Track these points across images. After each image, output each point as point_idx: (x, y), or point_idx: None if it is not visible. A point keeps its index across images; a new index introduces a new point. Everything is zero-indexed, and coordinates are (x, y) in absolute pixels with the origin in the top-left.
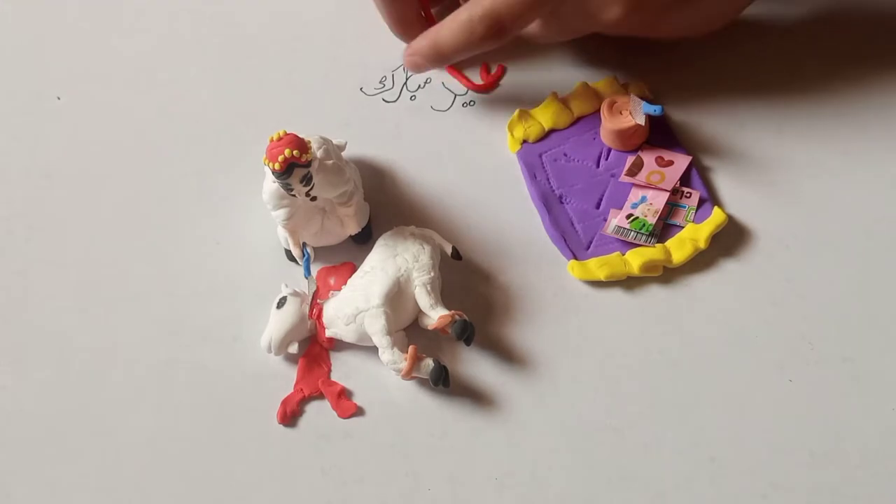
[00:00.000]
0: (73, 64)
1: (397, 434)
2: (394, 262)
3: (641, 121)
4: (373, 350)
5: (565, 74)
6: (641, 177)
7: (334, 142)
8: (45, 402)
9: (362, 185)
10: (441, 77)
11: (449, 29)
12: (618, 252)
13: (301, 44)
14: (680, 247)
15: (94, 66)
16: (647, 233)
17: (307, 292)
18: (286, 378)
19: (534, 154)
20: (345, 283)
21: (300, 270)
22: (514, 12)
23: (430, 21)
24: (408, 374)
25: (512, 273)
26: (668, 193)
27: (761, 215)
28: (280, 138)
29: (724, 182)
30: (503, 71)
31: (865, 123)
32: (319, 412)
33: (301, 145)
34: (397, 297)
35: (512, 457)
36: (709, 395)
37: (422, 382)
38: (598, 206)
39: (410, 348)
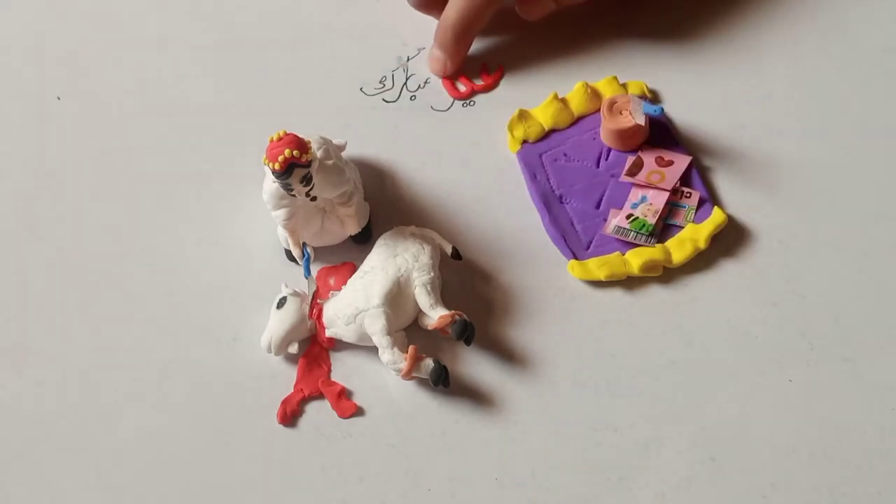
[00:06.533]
0: (73, 64)
1: (397, 434)
2: (394, 262)
3: (641, 121)
4: (373, 350)
5: (565, 74)
6: (641, 177)
7: (334, 142)
8: (45, 401)
9: (362, 185)
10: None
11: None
12: (618, 252)
13: (301, 44)
14: (680, 247)
15: (94, 66)
16: (647, 233)
17: (307, 292)
18: (286, 378)
19: (534, 154)
20: (345, 283)
21: (300, 270)
22: None
23: None
24: (408, 374)
25: (512, 273)
26: (668, 193)
27: (761, 215)
28: (280, 138)
29: (724, 182)
30: (503, 71)
31: (867, 124)
32: (319, 412)
33: (301, 145)
34: (397, 297)
35: (512, 457)
36: (709, 395)
37: (422, 382)
38: (598, 206)
39: (410, 348)
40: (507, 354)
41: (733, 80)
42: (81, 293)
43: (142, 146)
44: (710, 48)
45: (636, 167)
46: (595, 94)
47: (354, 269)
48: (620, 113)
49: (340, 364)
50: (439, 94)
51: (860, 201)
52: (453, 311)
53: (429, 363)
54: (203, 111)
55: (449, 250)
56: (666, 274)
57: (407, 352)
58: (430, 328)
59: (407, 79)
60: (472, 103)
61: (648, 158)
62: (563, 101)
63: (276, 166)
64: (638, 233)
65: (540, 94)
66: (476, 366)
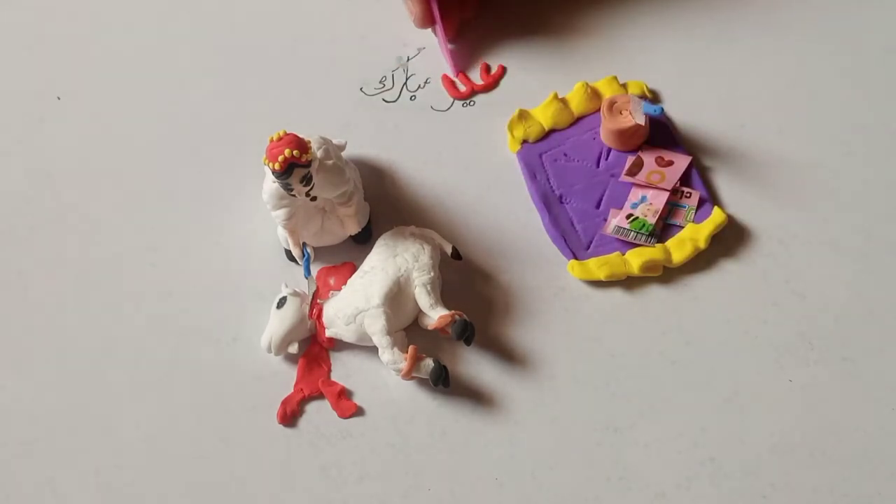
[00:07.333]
0: (73, 64)
1: (397, 434)
2: (394, 262)
3: (641, 121)
4: (373, 350)
5: (565, 74)
6: (641, 177)
7: (334, 142)
8: (45, 402)
9: (362, 185)
10: (441, 77)
11: None
12: (618, 252)
13: (301, 44)
14: (680, 247)
15: (94, 66)
16: (647, 233)
17: (307, 292)
18: (286, 378)
19: (534, 154)
20: (345, 283)
21: (300, 270)
22: None
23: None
24: (408, 374)
25: (512, 273)
26: (668, 193)
27: (761, 215)
28: (280, 138)
29: (724, 182)
30: (503, 71)
31: (867, 124)
32: (319, 412)
33: (301, 145)
34: (397, 297)
35: (512, 457)
36: (709, 395)
37: (422, 382)
38: (598, 206)
39: (410, 348)
40: (507, 354)
41: (733, 80)
42: (81, 293)
43: (141, 146)
44: (710, 48)
45: (636, 167)
46: (595, 94)
47: (354, 269)
48: (620, 113)
49: (340, 364)
50: (439, 94)
51: (860, 201)
52: (453, 311)
53: (429, 363)
54: (203, 111)
55: (449, 250)
56: (666, 274)
57: (407, 352)
58: (430, 328)
59: (407, 79)
60: (472, 103)
61: (648, 158)
62: (563, 101)
63: (276, 166)
64: (638, 233)
65: (540, 94)
66: (476, 366)
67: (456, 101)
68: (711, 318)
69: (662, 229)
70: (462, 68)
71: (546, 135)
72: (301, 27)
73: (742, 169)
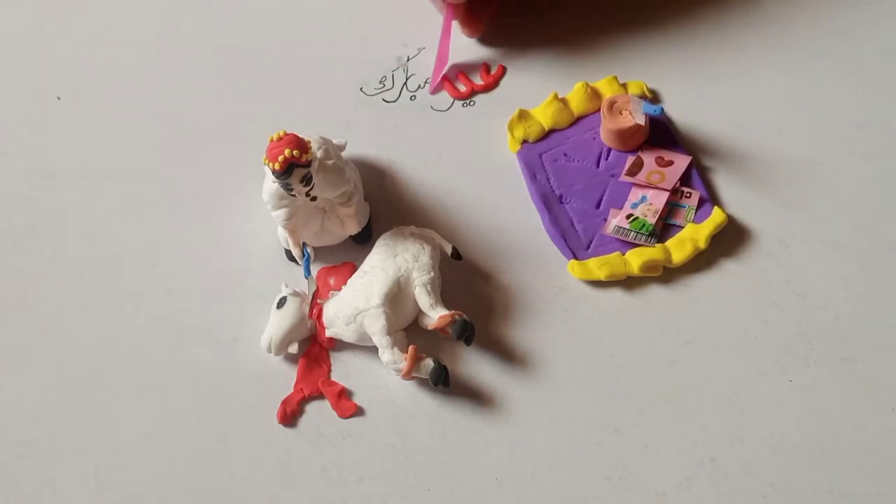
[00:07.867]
0: (73, 64)
1: (397, 434)
2: (394, 262)
3: (641, 121)
4: (373, 350)
5: (565, 74)
6: (641, 177)
7: (334, 142)
8: (45, 401)
9: (362, 185)
10: (441, 77)
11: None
12: (618, 252)
13: (301, 44)
14: (680, 247)
15: (94, 66)
16: (647, 233)
17: (307, 292)
18: (286, 378)
19: (534, 154)
20: (345, 283)
21: (300, 270)
22: None
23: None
24: (408, 374)
25: (512, 273)
26: (668, 193)
27: (761, 215)
28: (280, 138)
29: (724, 182)
30: (503, 71)
31: (867, 123)
32: (319, 412)
33: (301, 145)
34: (397, 297)
35: (512, 457)
36: (709, 395)
37: (422, 382)
38: (598, 206)
39: (410, 348)
40: (507, 354)
41: (733, 80)
42: (81, 293)
43: (142, 146)
44: (710, 48)
45: (636, 167)
46: (595, 94)
47: (354, 269)
48: (620, 113)
49: (340, 364)
50: (439, 94)
51: (860, 201)
52: (453, 311)
53: (429, 363)
54: (203, 111)
55: (449, 250)
56: (666, 274)
57: (407, 352)
58: (430, 328)
59: (407, 79)
60: (472, 103)
61: (648, 158)
62: (563, 101)
63: (276, 166)
64: (638, 233)
65: (540, 94)
66: (476, 366)
67: (456, 101)
68: (711, 318)
69: (662, 229)
70: (450, 75)
71: (546, 135)
72: (301, 27)
73: (742, 169)
